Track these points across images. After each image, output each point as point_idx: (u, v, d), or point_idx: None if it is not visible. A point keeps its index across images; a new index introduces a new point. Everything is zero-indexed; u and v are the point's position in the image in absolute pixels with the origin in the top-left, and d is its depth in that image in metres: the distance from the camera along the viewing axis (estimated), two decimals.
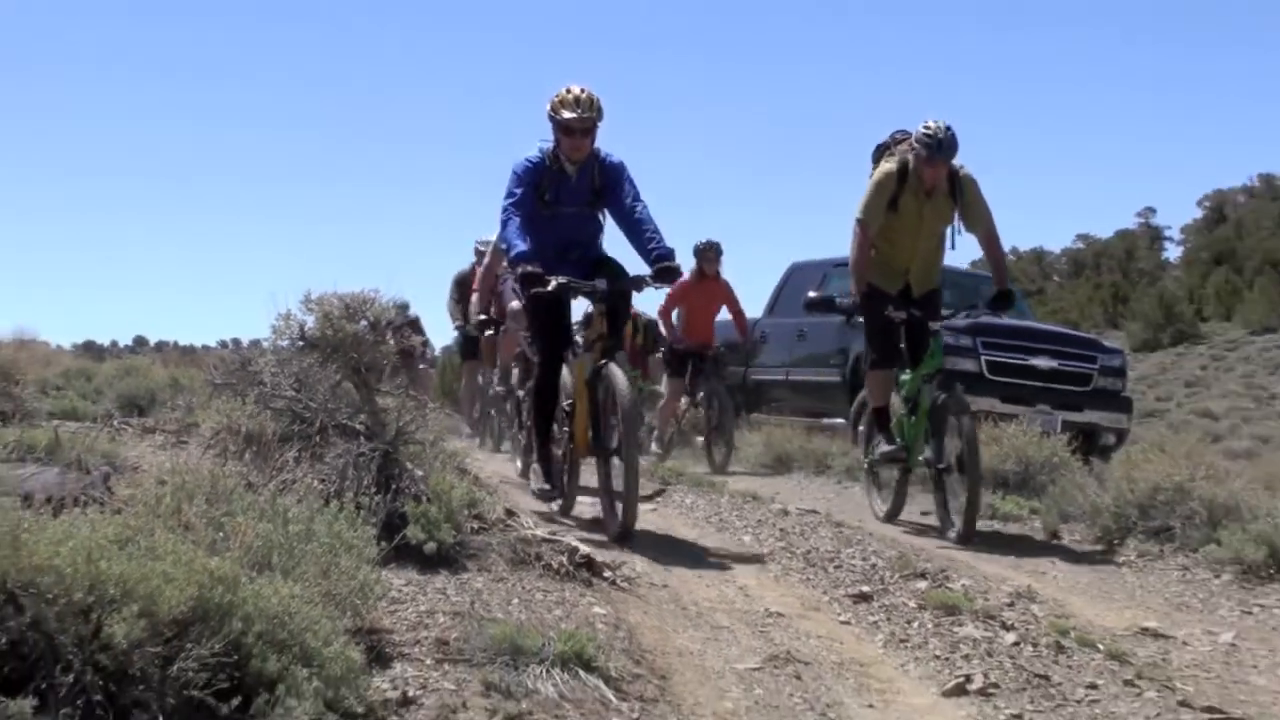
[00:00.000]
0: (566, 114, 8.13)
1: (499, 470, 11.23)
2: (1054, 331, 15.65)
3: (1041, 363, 14.43)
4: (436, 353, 22.73)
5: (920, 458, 9.42)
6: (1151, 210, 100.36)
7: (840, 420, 15.34)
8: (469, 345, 16.09)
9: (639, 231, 8.33)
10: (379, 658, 4.29)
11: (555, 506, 8.72)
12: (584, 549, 6.33)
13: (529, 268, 7.84)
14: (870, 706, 4.89)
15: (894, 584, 6.76)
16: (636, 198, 8.44)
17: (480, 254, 15.31)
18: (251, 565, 3.99)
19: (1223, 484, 8.53)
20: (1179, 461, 8.87)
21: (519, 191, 8.24)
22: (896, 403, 9.78)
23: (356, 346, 6.20)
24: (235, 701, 3.31)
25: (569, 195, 8.50)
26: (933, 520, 9.59)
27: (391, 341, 6.28)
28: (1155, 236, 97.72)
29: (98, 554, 3.39)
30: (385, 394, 6.46)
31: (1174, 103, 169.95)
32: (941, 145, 8.89)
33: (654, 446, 14.69)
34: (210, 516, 4.44)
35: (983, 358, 14.15)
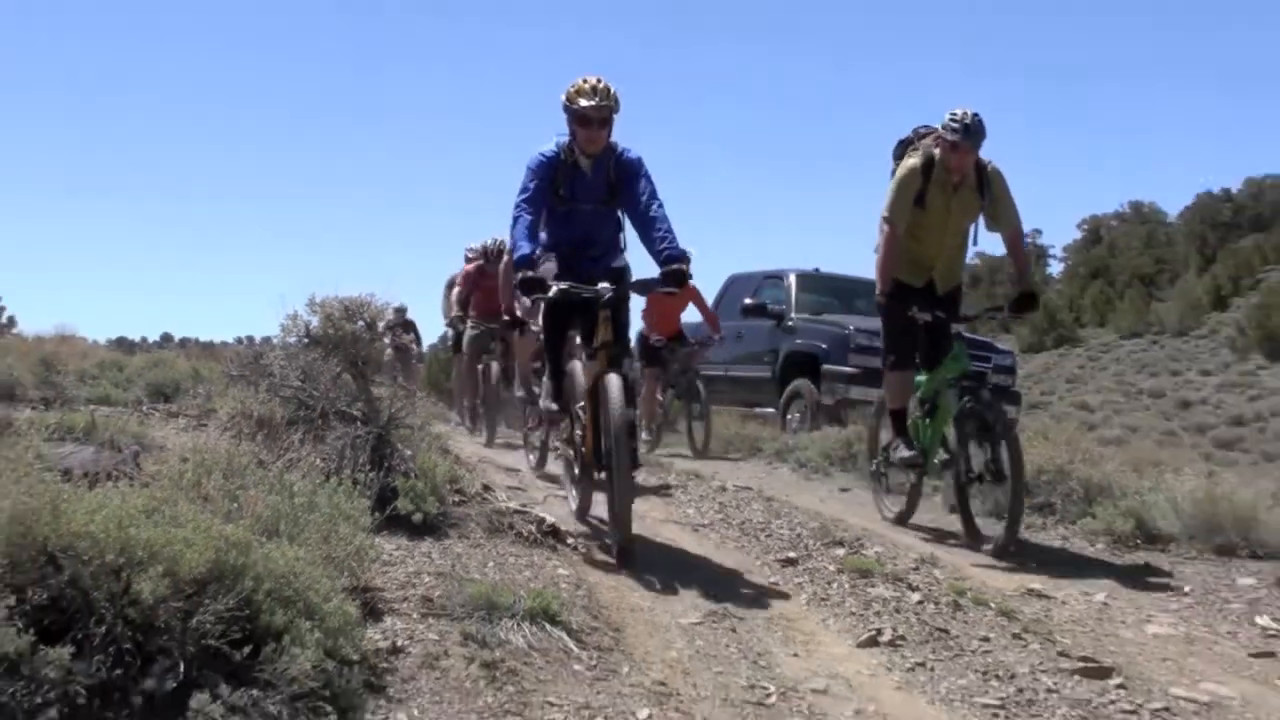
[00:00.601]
0: (583, 103, 6.85)
1: (477, 451, 11.19)
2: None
3: None
4: (424, 349, 22.52)
5: (935, 461, 8.08)
6: (1038, 232, 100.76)
7: (770, 410, 15.38)
8: (458, 341, 15.76)
9: (651, 230, 6.97)
10: (372, 612, 4.29)
11: (572, 508, 7.51)
12: (550, 519, 6.33)
13: (528, 273, 6.63)
14: (795, 655, 4.90)
15: (816, 551, 6.77)
16: (653, 195, 7.08)
17: (470, 259, 15.04)
18: (262, 532, 3.98)
19: (1097, 466, 8.62)
20: (1060, 447, 8.97)
21: (532, 186, 6.94)
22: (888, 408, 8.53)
23: (354, 343, 6.19)
24: (247, 650, 3.32)
25: (585, 191, 7.18)
26: (942, 523, 8.41)
27: (388, 339, 6.29)
28: (1041, 254, 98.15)
29: (127, 522, 3.38)
30: (379, 385, 6.44)
31: (1056, 137, 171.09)
32: (970, 130, 7.55)
33: (644, 435, 14.55)
34: (226, 489, 4.43)
35: None
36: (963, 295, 8.53)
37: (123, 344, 43.54)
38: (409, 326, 20.39)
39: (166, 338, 67.93)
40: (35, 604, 3.17)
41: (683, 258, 6.91)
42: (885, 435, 8.63)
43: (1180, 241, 75.29)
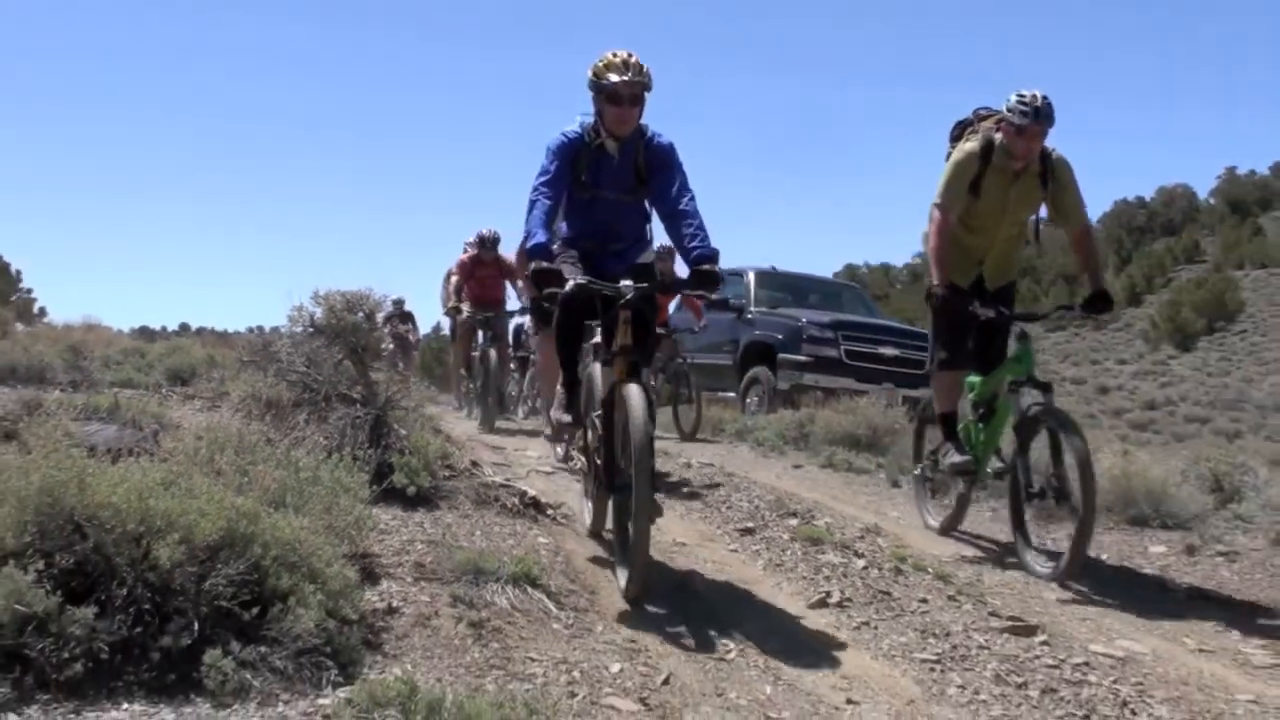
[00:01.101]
0: (613, 78, 5.71)
1: (468, 432, 11.16)
2: (897, 327, 15.77)
3: (887, 350, 14.54)
4: (419, 337, 22.41)
5: (989, 470, 6.89)
6: None
7: (731, 394, 15.40)
8: (454, 329, 15.31)
9: (681, 225, 5.71)
10: (370, 577, 4.28)
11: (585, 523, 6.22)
12: (532, 492, 6.32)
13: (543, 264, 5.35)
14: (753, 616, 4.91)
15: (772, 521, 6.77)
16: (685, 187, 5.83)
17: (467, 249, 14.23)
18: (269, 503, 3.97)
19: None
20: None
21: (552, 169, 5.73)
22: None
23: (355, 333, 6.16)
24: (255, 610, 3.33)
25: (610, 178, 6.02)
26: (988, 531, 7.36)
27: (387, 329, 6.27)
28: None
29: (147, 493, 3.39)
30: (377, 370, 6.42)
31: None
32: (1039, 113, 6.35)
33: None
34: (237, 465, 4.42)
35: (842, 346, 14.28)
36: (1015, 293, 7.23)
37: (144, 332, 43.28)
38: (406, 317, 20.29)
39: (184, 327, 67.57)
40: (62, 568, 3.18)
41: (714, 257, 5.59)
42: (930, 438, 7.58)
43: (1099, 243, 75.93)
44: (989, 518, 7.75)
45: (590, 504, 6.11)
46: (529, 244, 5.43)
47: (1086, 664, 4.44)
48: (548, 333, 8.67)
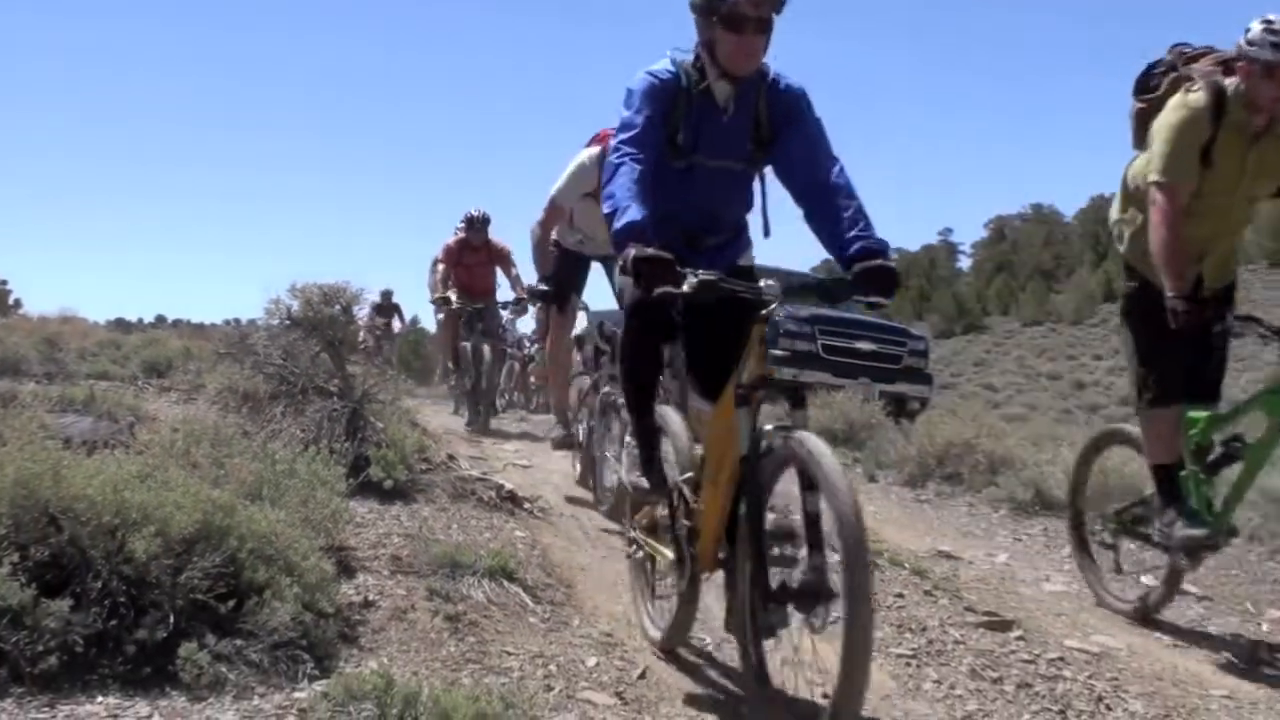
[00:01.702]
0: None
1: (444, 424, 11.12)
2: (873, 322, 15.75)
3: (864, 345, 14.57)
4: (400, 328, 22.17)
5: (1223, 531, 4.82)
6: (949, 230, 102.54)
7: None
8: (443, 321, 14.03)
9: (832, 206, 3.86)
10: (346, 570, 4.28)
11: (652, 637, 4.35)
12: (508, 485, 6.32)
13: (648, 250, 3.47)
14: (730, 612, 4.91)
15: None
16: (830, 152, 4.00)
17: (459, 233, 12.31)
18: (246, 496, 3.96)
19: (1000, 440, 8.71)
20: (967, 423, 9.06)
21: (641, 121, 3.90)
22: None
23: (331, 325, 6.15)
24: (231, 604, 3.32)
25: (717, 139, 4.10)
26: (1220, 623, 5.36)
27: (369, 318, 6.19)
28: (952, 250, 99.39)
29: (123, 486, 3.38)
30: (354, 363, 6.41)
31: (965, 145, 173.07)
32: None
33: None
34: (214, 457, 4.41)
35: (819, 341, 14.29)
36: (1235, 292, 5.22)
37: (121, 324, 43.04)
38: (388, 310, 19.94)
39: (161, 319, 67.19)
40: (37, 561, 3.17)
41: (885, 250, 3.78)
42: (1102, 481, 6.15)
43: (1076, 240, 76.22)
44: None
45: (652, 606, 4.45)
46: (620, 222, 3.64)
47: (1062, 659, 4.46)
48: (559, 318, 7.83)
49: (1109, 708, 4.03)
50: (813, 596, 3.45)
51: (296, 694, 3.13)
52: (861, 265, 3.67)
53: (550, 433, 8.83)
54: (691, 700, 3.81)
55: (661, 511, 4.33)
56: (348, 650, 3.58)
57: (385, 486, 5.54)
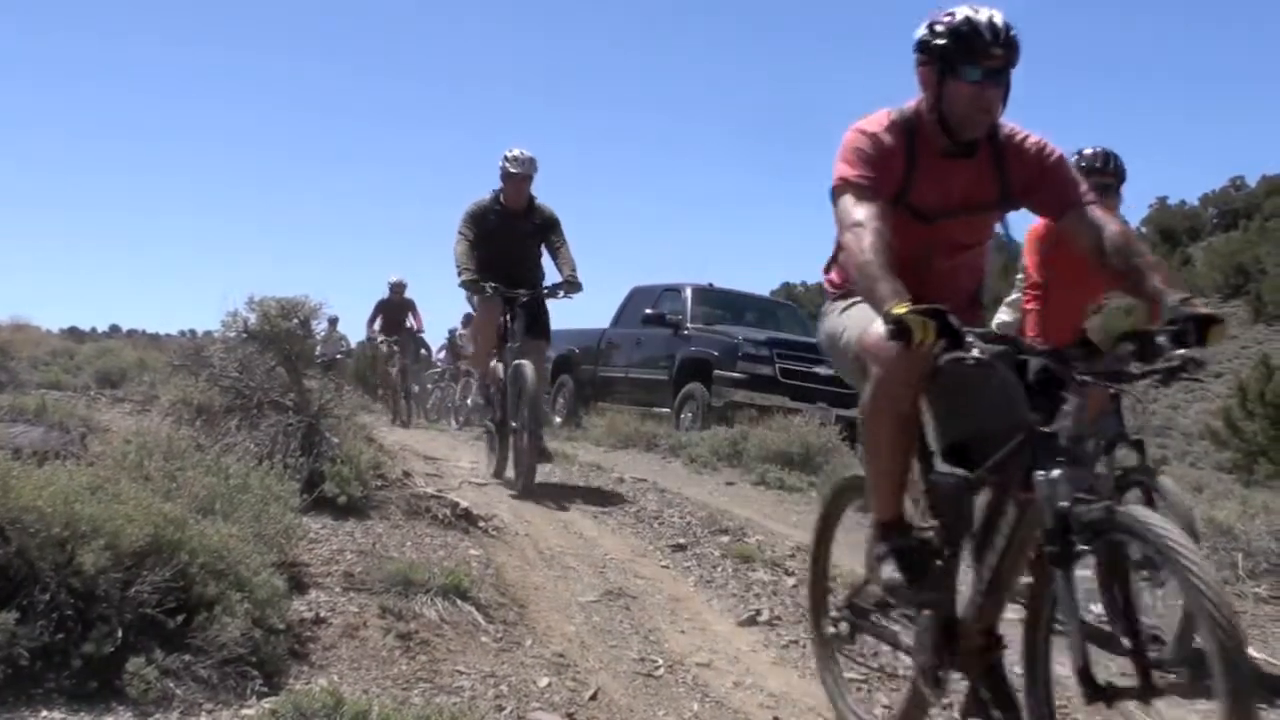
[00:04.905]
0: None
1: (400, 439, 11.09)
2: None
3: (821, 370, 14.61)
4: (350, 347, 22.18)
5: None
6: None
7: (666, 409, 15.43)
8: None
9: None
10: (298, 586, 4.26)
11: None
12: (464, 504, 6.30)
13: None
14: (683, 632, 4.93)
15: (704, 538, 6.79)
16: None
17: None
18: (198, 510, 3.95)
19: None
20: None
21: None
22: None
23: (288, 339, 6.13)
24: (180, 618, 3.31)
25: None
26: None
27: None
28: None
29: (73, 497, 3.36)
30: (310, 377, 6.38)
31: None
32: None
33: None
34: (166, 470, 4.38)
35: (777, 365, 14.33)
36: None
37: (74, 333, 42.64)
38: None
39: (115, 328, 66.66)
40: None
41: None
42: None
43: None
44: None
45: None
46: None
47: None
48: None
49: None
50: None
51: (245, 711, 3.12)
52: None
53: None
54: None
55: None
56: (298, 667, 3.57)
57: (339, 503, 5.52)
